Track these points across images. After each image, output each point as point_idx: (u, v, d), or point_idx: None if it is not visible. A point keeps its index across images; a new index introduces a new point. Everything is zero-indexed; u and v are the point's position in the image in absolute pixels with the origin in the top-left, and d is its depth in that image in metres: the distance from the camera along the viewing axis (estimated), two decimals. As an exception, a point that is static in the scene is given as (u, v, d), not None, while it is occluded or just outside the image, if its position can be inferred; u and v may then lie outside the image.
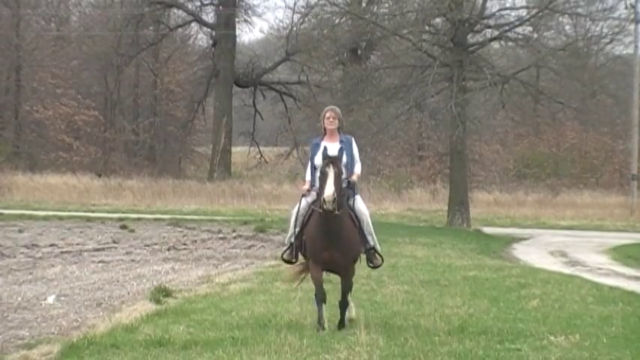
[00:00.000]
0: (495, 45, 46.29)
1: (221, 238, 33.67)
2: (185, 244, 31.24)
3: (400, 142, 53.71)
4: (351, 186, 11.73)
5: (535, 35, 44.35)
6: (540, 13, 42.96)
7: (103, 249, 28.81)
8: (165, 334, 12.68)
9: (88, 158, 58.87)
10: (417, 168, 55.38)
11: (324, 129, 11.94)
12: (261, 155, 60.42)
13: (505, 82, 42.95)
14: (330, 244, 11.38)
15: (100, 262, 24.86)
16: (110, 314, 15.09)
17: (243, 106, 64.02)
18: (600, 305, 17.15)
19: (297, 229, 11.82)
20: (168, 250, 29.26)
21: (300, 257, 12.09)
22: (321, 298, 11.69)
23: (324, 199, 10.68)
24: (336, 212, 10.92)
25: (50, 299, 17.50)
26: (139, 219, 41.03)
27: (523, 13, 44.05)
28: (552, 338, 12.87)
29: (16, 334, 13.25)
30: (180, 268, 23.88)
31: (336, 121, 11.87)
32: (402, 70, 44.11)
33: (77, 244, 29.26)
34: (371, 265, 12.15)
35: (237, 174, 59.63)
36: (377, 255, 11.97)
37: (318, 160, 11.31)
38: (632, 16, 48.64)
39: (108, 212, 45.06)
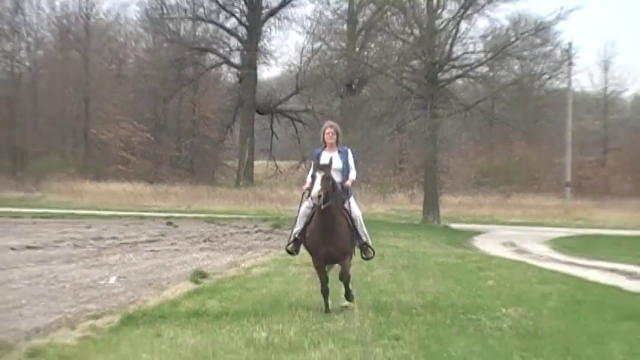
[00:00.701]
0: (459, 81, 46.66)
1: (245, 232, 33.37)
2: (217, 237, 30.87)
3: (385, 157, 52.99)
4: (346, 189, 11.09)
5: (491, 74, 45.20)
6: (494, 57, 43.31)
7: (153, 241, 28.37)
8: (202, 307, 12.48)
9: (142, 170, 58.84)
10: (398, 177, 55.29)
11: (324, 141, 11.25)
12: (277, 167, 61.20)
13: (467, 110, 44.05)
14: (326, 240, 10.76)
15: (150, 250, 24.45)
16: (159, 292, 14.89)
17: (263, 129, 64.73)
18: (542, 284, 17.12)
19: (301, 227, 11.16)
20: (204, 241, 28.79)
21: (302, 250, 11.54)
22: (325, 292, 11.19)
23: (311, 197, 10.37)
24: (322, 206, 10.37)
25: (112, 280, 17.19)
26: (181, 217, 40.98)
27: (481, 56, 44.06)
28: (504, 310, 12.86)
29: (86, 307, 12.98)
30: (214, 256, 23.41)
31: (335, 136, 11.21)
32: (386, 100, 44.60)
33: (133, 237, 28.93)
34: (364, 257, 11.55)
35: (258, 182, 59.75)
36: (369, 249, 11.38)
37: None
38: (567, 59, 48.90)
39: (157, 212, 44.70)
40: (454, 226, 41.36)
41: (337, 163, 10.85)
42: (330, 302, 11.34)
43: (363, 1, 45.89)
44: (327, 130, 11.14)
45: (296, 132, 57.88)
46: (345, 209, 10.94)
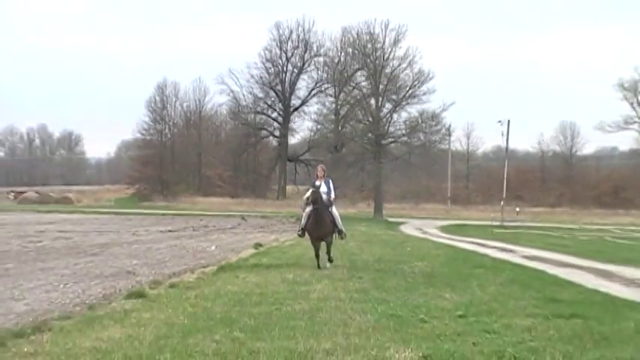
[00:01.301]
0: (392, 145, 51.95)
1: (281, 223, 34.04)
2: (267, 225, 31.83)
3: (354, 184, 55.32)
4: (330, 203, 12.35)
5: (408, 141, 50.48)
6: (410, 132, 49.89)
7: (234, 228, 29.07)
8: (259, 261, 13.28)
9: (227, 191, 64.70)
10: (361, 194, 57.70)
11: (317, 175, 12.60)
12: (299, 189, 63.06)
13: (396, 159, 50.09)
14: (317, 227, 12.18)
15: (232, 233, 24.80)
16: (237, 254, 15.48)
17: (291, 169, 69.02)
18: (435, 249, 18.05)
19: (305, 221, 12.40)
20: (260, 228, 29.81)
21: (307, 235, 12.58)
22: (316, 255, 12.43)
23: (305, 197, 12.18)
24: (311, 205, 11.97)
25: (212, 248, 17.28)
26: (248, 215, 42.24)
27: (403, 131, 50.30)
28: (416, 263, 13.39)
29: (199, 262, 13.62)
30: (265, 235, 23.83)
31: (323, 172, 12.56)
32: (354, 155, 51.71)
33: (223, 226, 30.29)
34: (340, 237, 12.66)
35: (288, 197, 62.60)
36: (343, 233, 12.62)
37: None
38: (448, 132, 55.37)
39: (236, 212, 45.61)
40: (390, 219, 44.96)
41: (323, 188, 12.26)
42: (319, 263, 12.22)
43: (343, 103, 54.30)
44: (319, 169, 12.77)
45: (308, 171, 63.98)
46: (329, 211, 12.34)
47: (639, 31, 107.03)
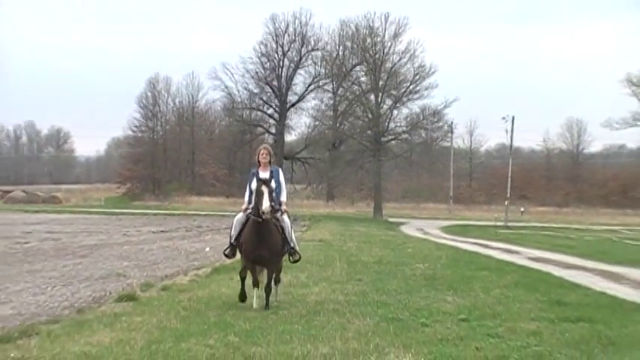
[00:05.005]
0: (393, 142, 52.76)
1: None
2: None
3: (353, 183, 56.47)
4: (280, 207, 8.60)
5: (409, 138, 51.66)
6: (411, 129, 50.68)
7: (228, 228, 20.53)
8: None
9: (222, 190, 65.19)
10: (360, 193, 59.06)
11: (259, 162, 8.70)
12: (295, 188, 63.90)
13: (397, 157, 50.76)
14: (259, 245, 8.32)
15: (227, 234, 15.30)
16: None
17: (287, 167, 66.53)
18: (437, 251, 17.90)
19: (237, 233, 8.62)
20: None
21: (238, 255, 8.82)
22: (254, 283, 8.62)
23: (263, 211, 8.04)
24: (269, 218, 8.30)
25: (207, 249, 17.35)
26: None
27: (404, 128, 50.83)
28: (417, 265, 13.33)
29: (192, 264, 13.92)
30: None
31: (268, 156, 8.71)
32: (353, 152, 51.45)
33: (217, 226, 30.19)
34: (291, 259, 8.94)
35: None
36: (296, 253, 8.90)
37: (254, 185, 8.43)
38: (450, 129, 55.84)
39: (230, 212, 32.55)
40: (390, 219, 45.24)
41: (272, 184, 8.43)
42: (256, 299, 8.55)
43: (341, 99, 54.85)
44: (262, 152, 8.74)
45: (305, 169, 65.26)
46: (277, 219, 8.55)
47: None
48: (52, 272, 12.16)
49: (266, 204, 7.97)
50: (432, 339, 6.44)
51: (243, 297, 8.74)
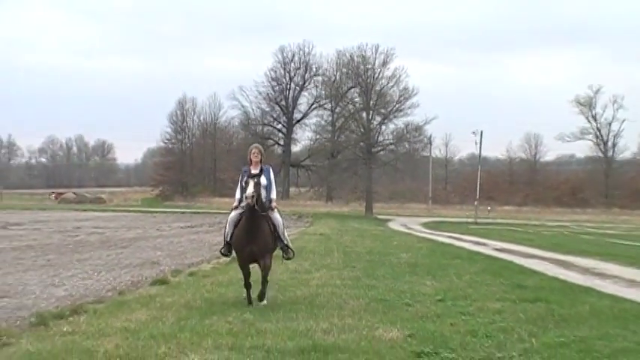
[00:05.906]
0: (382, 152, 52.94)
1: (285, 220, 30.07)
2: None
3: (348, 186, 56.14)
4: (270, 204, 7.33)
5: (395, 148, 51.43)
6: (397, 141, 50.73)
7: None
8: None
9: None
10: (354, 195, 57.99)
11: (250, 160, 7.51)
12: (300, 191, 68.01)
13: (385, 165, 50.71)
14: (250, 241, 7.15)
15: None
16: None
17: (294, 173, 69.53)
18: (418, 243, 18.04)
19: (231, 231, 7.41)
20: None
21: (234, 253, 7.56)
22: (246, 284, 7.47)
23: (246, 197, 7.01)
24: (256, 207, 7.03)
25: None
26: None
27: (391, 140, 50.95)
28: (401, 254, 13.34)
29: (214, 254, 13.05)
30: None
31: (259, 155, 7.54)
32: (349, 160, 51.42)
33: None
34: (285, 257, 7.73)
35: (291, 197, 63.38)
36: (289, 250, 7.65)
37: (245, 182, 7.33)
38: (429, 142, 56.23)
39: None
40: (379, 217, 45.19)
41: (263, 181, 7.27)
42: (250, 296, 7.41)
43: (338, 116, 55.55)
44: (253, 151, 7.59)
45: (308, 175, 67.25)
46: (268, 216, 7.36)
47: (589, 56, 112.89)
48: (98, 260, 12.10)
49: (249, 190, 6.93)
50: (414, 316, 6.41)
51: (247, 286, 7.55)
